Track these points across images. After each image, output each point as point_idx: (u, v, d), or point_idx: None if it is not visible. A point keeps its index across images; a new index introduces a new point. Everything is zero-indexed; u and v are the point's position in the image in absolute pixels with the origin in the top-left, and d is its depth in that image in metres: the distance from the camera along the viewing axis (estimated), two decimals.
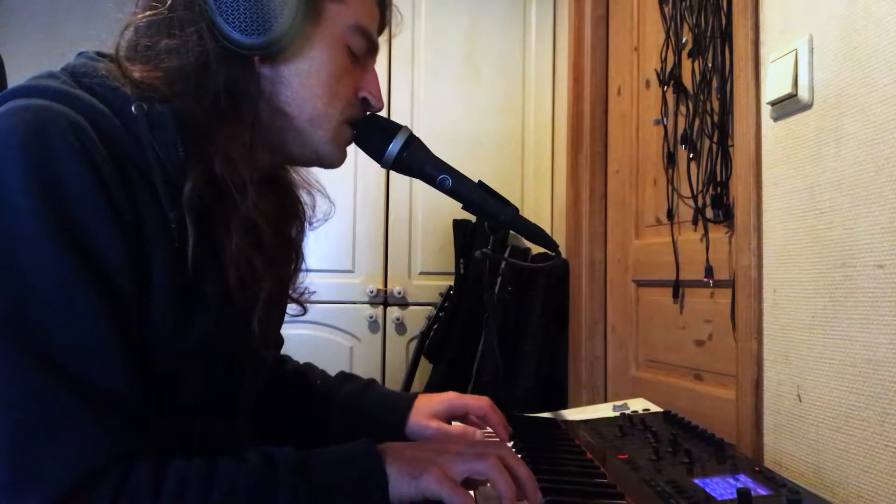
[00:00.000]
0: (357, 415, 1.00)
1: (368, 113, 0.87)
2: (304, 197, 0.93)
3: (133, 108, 0.69)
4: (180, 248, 0.68)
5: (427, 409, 0.99)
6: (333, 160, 0.84)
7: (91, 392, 0.61)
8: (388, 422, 0.99)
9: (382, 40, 0.89)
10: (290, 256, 0.89)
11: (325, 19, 0.78)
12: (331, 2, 0.79)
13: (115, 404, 0.62)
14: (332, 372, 1.08)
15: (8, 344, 0.59)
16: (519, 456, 0.75)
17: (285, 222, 0.89)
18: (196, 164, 0.70)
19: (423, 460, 0.69)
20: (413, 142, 0.88)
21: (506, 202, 0.92)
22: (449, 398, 1.01)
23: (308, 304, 0.98)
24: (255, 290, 0.75)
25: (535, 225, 0.94)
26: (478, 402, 1.00)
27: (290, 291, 0.92)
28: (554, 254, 0.98)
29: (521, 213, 0.93)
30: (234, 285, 0.73)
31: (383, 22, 0.87)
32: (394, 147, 0.86)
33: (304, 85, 0.78)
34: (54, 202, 0.61)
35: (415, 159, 0.88)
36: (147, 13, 0.73)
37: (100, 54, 0.75)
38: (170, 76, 0.71)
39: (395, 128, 0.87)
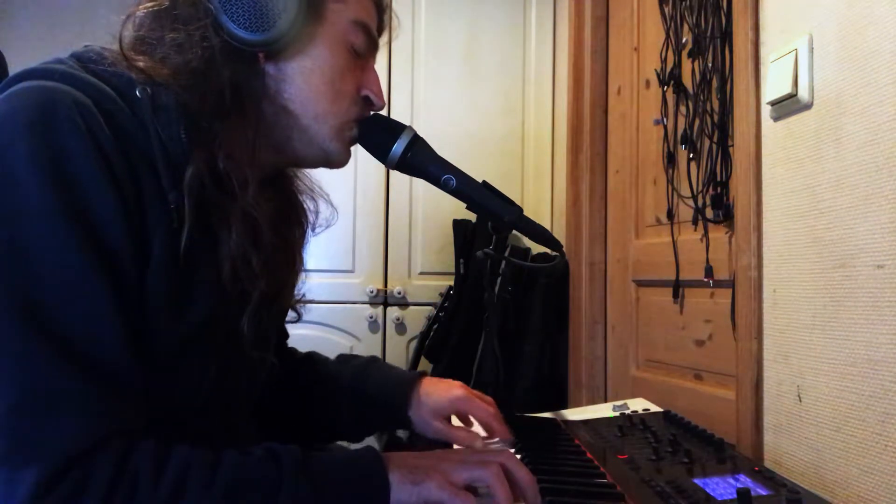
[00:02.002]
0: (360, 401, 1.00)
1: (372, 112, 0.87)
2: (308, 203, 0.93)
3: (137, 92, 0.70)
4: (178, 230, 0.69)
5: (431, 404, 0.98)
6: (339, 158, 0.85)
7: (92, 367, 0.61)
8: (391, 408, 0.99)
9: (382, 41, 0.89)
10: (289, 260, 0.89)
11: (326, 18, 0.79)
12: (332, 1, 0.80)
13: (116, 380, 0.63)
14: None
15: (11, 317, 0.60)
16: (519, 457, 0.75)
17: (286, 225, 0.89)
18: (199, 154, 0.71)
19: (425, 468, 0.69)
20: (417, 142, 0.88)
21: (510, 202, 0.92)
22: (455, 397, 0.99)
23: (308, 305, 0.98)
24: (249, 289, 0.76)
25: (539, 225, 0.94)
26: (482, 410, 0.98)
27: (289, 296, 0.92)
28: (558, 254, 0.98)
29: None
30: (227, 278, 0.73)
31: (381, 25, 0.88)
32: (398, 147, 0.86)
33: (307, 82, 0.79)
34: (60, 180, 0.63)
35: (419, 159, 0.88)
36: (149, 4, 0.74)
37: (104, 48, 0.75)
38: (175, 71, 0.72)
39: (399, 128, 0.87)
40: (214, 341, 0.75)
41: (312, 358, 1.07)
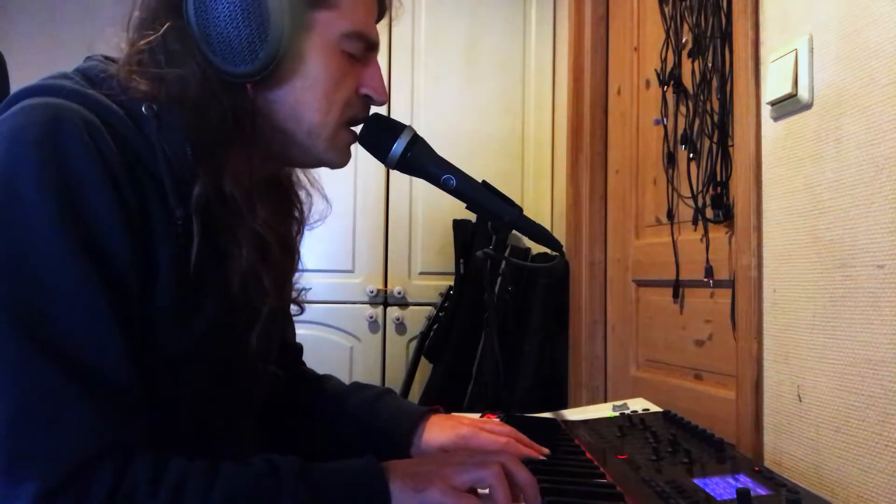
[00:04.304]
0: (364, 428, 0.96)
1: (373, 112, 0.87)
2: (303, 197, 0.93)
3: (143, 109, 0.70)
4: (185, 245, 0.70)
5: (434, 442, 0.92)
6: (337, 164, 0.84)
7: (91, 381, 0.62)
8: (395, 440, 0.94)
9: (382, 38, 0.88)
10: (290, 260, 0.89)
11: (315, 30, 0.77)
12: (320, 10, 0.77)
13: (115, 394, 0.63)
14: (333, 372, 1.08)
15: (12, 331, 0.60)
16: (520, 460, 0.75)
17: (286, 223, 0.89)
18: (205, 173, 0.71)
19: (427, 474, 0.68)
20: (417, 141, 0.87)
21: (510, 202, 0.91)
22: (460, 434, 0.91)
23: (308, 304, 0.98)
24: (259, 305, 0.76)
25: (539, 225, 0.94)
26: (493, 443, 0.89)
27: (288, 293, 0.92)
28: (557, 254, 0.98)
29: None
30: (236, 292, 0.74)
31: (382, 10, 0.86)
32: (398, 147, 0.86)
33: (299, 101, 0.78)
34: (65, 196, 0.63)
35: (419, 159, 0.88)
36: (143, 42, 0.73)
37: (108, 58, 0.76)
38: (177, 99, 0.72)
39: (399, 127, 0.87)
40: (216, 351, 0.75)
41: (327, 382, 1.05)
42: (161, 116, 0.70)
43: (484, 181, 0.92)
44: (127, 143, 0.69)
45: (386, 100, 0.86)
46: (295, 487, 0.64)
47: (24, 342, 0.60)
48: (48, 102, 0.67)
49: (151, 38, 0.73)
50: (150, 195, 0.69)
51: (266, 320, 0.77)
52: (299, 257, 0.93)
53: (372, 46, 0.83)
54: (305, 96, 0.78)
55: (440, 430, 0.93)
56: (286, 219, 0.90)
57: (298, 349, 1.06)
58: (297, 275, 0.93)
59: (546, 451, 0.90)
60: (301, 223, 0.92)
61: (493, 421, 0.99)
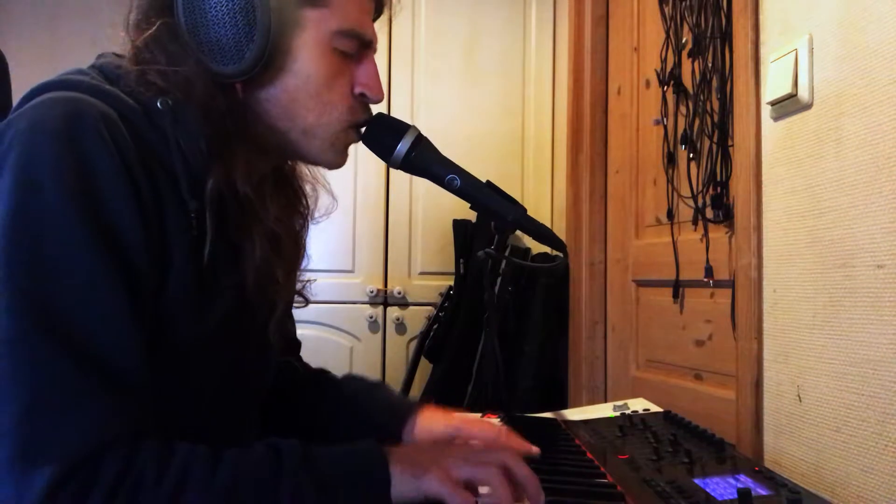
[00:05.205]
0: (357, 420, 0.97)
1: (377, 112, 0.87)
2: (308, 190, 0.93)
3: (159, 104, 0.71)
4: (199, 238, 0.71)
5: (430, 429, 0.93)
6: (334, 165, 0.85)
7: (103, 371, 0.63)
8: (387, 428, 0.95)
9: (382, 38, 0.87)
10: (297, 253, 0.90)
11: (306, 28, 0.77)
12: (311, 8, 0.77)
13: (126, 384, 0.64)
14: (333, 372, 1.08)
15: (26, 319, 0.61)
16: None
17: (293, 218, 0.90)
18: (218, 168, 0.72)
19: (427, 461, 0.69)
20: (421, 141, 0.87)
21: (514, 202, 0.91)
22: (455, 426, 0.92)
23: (309, 301, 0.98)
24: (275, 298, 0.78)
25: (542, 225, 0.94)
26: (489, 431, 0.90)
27: (293, 285, 0.93)
28: (561, 254, 0.97)
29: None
30: (251, 285, 0.76)
31: (379, 8, 0.85)
32: (402, 147, 0.86)
33: (292, 100, 0.78)
34: (82, 188, 0.64)
35: (423, 159, 0.88)
36: (140, 42, 0.74)
37: (118, 56, 0.76)
38: (188, 99, 0.73)
39: (403, 127, 0.87)
40: (226, 343, 0.76)
41: (322, 375, 1.06)
42: (176, 111, 0.72)
43: (488, 181, 0.92)
44: (142, 138, 0.70)
45: (382, 98, 0.85)
46: (296, 469, 0.65)
47: (38, 331, 0.61)
48: (67, 96, 0.68)
49: (147, 37, 0.74)
50: (165, 188, 0.71)
51: (281, 313, 0.79)
52: (305, 250, 0.94)
53: (367, 44, 0.83)
54: (298, 95, 0.78)
55: (432, 420, 0.95)
56: (293, 212, 0.91)
57: (297, 344, 1.07)
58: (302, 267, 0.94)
59: (536, 449, 0.87)
60: (306, 217, 0.93)
61: (486, 421, 0.99)
